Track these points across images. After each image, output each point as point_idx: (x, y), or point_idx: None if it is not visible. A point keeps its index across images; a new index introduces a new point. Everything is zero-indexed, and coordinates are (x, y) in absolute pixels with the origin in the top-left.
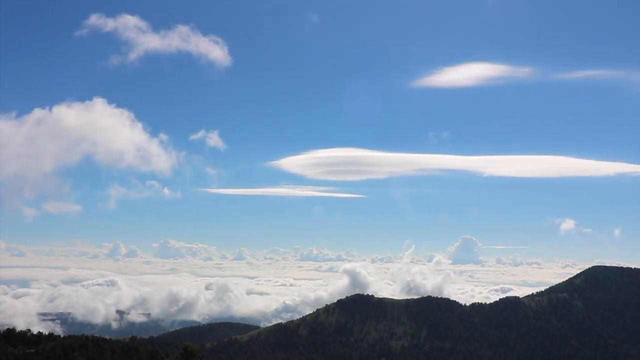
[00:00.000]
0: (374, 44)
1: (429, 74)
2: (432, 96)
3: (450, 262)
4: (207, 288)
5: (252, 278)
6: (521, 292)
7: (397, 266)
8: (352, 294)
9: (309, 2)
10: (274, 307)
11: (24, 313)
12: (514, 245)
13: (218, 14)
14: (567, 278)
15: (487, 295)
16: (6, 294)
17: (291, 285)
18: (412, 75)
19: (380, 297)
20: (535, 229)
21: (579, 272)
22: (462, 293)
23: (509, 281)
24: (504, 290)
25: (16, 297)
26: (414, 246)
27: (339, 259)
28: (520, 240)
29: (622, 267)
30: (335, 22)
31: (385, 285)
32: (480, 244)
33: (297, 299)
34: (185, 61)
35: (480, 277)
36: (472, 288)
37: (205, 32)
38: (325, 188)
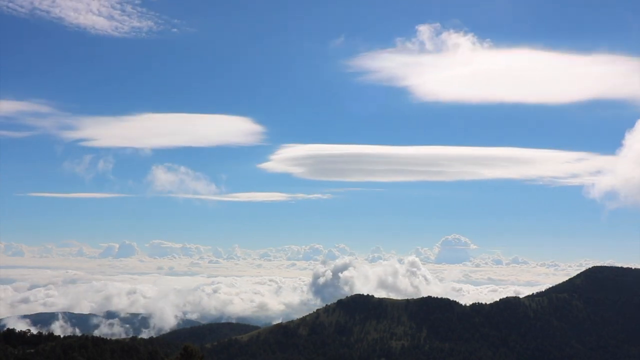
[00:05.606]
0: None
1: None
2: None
3: (434, 261)
4: (201, 288)
5: (246, 277)
6: (514, 291)
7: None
8: (353, 294)
9: None
10: (269, 307)
11: (24, 313)
12: (495, 247)
13: None
14: (554, 277)
15: (480, 295)
16: (5, 294)
17: (282, 284)
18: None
19: (380, 297)
20: (513, 229)
21: (563, 271)
22: (456, 292)
23: (498, 281)
24: (494, 289)
25: (15, 297)
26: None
27: (332, 256)
28: (501, 241)
29: (622, 267)
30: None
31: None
32: (473, 245)
33: (291, 298)
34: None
35: (471, 276)
36: (462, 287)
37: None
38: (319, 189)
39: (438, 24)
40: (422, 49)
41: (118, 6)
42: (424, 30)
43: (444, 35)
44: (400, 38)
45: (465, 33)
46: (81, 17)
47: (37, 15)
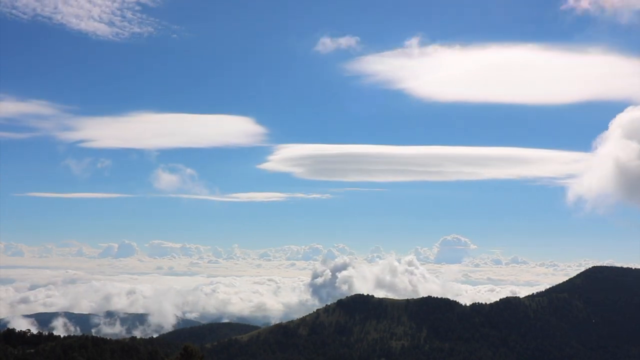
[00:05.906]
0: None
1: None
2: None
3: (434, 261)
4: (200, 288)
5: (245, 277)
6: (510, 291)
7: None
8: (352, 294)
9: None
10: (267, 306)
11: (24, 313)
12: (495, 247)
13: None
14: (553, 277)
15: (479, 295)
16: (5, 294)
17: (281, 284)
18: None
19: (380, 297)
20: (512, 229)
21: (562, 271)
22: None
23: (498, 281)
24: (493, 289)
25: (15, 297)
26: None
27: (331, 256)
28: (500, 241)
29: (622, 267)
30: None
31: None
32: (473, 245)
33: (289, 298)
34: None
35: (470, 276)
36: (461, 287)
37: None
38: (318, 189)
39: (428, 39)
40: (413, 56)
41: (118, 12)
42: (413, 43)
43: (431, 48)
44: (390, 51)
45: (451, 44)
46: (82, 24)
47: (39, 22)
